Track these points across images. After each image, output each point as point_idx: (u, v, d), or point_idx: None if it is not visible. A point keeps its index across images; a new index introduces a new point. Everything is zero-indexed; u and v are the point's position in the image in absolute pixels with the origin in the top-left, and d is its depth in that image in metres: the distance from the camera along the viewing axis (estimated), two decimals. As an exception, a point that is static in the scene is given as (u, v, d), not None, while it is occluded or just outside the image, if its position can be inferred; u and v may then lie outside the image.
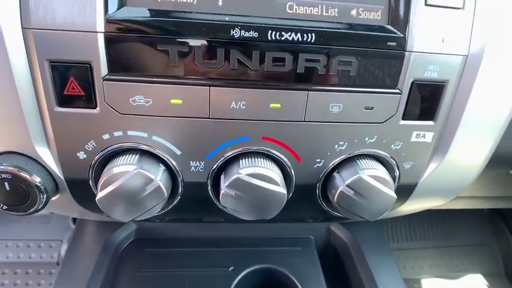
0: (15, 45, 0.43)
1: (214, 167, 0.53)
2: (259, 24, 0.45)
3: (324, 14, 0.47)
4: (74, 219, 1.19)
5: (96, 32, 0.43)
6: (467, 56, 0.50)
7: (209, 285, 0.75)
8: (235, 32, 0.45)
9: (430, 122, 0.53)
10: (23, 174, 0.49)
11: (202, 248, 0.84)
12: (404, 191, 0.61)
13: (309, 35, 0.46)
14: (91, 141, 0.50)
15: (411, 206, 0.69)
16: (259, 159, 0.52)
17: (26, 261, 1.35)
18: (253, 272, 0.81)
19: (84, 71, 0.45)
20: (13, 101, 0.46)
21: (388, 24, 0.48)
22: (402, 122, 0.53)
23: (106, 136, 0.49)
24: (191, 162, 0.52)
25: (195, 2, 0.45)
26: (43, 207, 0.52)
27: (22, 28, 0.43)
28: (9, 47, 0.43)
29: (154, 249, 0.83)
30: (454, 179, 0.62)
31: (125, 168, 0.48)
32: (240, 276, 0.78)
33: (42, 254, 1.37)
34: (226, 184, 0.49)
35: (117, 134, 0.49)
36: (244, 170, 0.50)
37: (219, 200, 0.55)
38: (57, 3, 0.42)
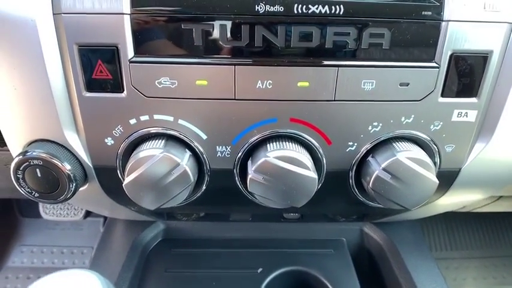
0: (46, 32, 0.45)
1: (241, 152, 0.51)
2: (284, -3, 0.44)
3: (353, -14, 0.45)
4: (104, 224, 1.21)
5: (123, 14, 0.43)
6: (512, 24, 0.46)
7: (237, 287, 0.72)
8: (260, 8, 0.43)
9: (473, 99, 0.49)
10: (55, 161, 0.50)
11: (230, 249, 0.82)
12: (446, 179, 0.56)
13: (337, 6, 0.44)
14: (118, 127, 0.49)
15: (453, 199, 0.64)
16: (287, 142, 0.50)
17: (59, 266, 1.38)
18: (283, 274, 0.77)
19: (111, 54, 0.45)
20: (45, 88, 0.47)
21: (423, -8, 0.45)
22: (442, 100, 0.49)
23: (133, 121, 0.49)
24: (217, 147, 0.51)
25: (219, -19, 0.45)
26: (72, 196, 0.52)
27: (53, 14, 0.44)
28: (42, 34, 0.44)
29: (182, 250, 0.82)
30: (502, 165, 0.56)
31: (151, 152, 0.47)
32: (269, 278, 0.74)
33: (74, 260, 1.39)
34: (253, 168, 0.47)
35: (143, 118, 0.49)
36: (272, 153, 0.47)
37: (246, 189, 0.53)
38: (85, -13, 0.43)
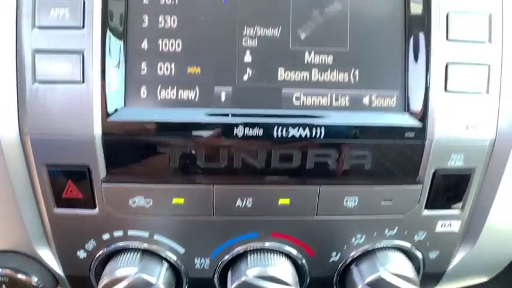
0: (12, 150, 0.42)
1: (221, 263, 0.49)
2: (263, 121, 0.42)
3: (334, 104, 0.44)
4: None
5: (94, 136, 0.41)
6: (494, 140, 0.45)
7: None
8: (239, 131, 0.42)
9: (457, 211, 0.48)
10: (20, 276, 0.47)
11: None
12: (432, 279, 0.55)
13: (318, 130, 0.42)
14: (91, 241, 0.47)
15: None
16: (268, 254, 0.48)
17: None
18: None
19: (82, 174, 0.43)
20: (11, 204, 0.44)
21: (405, 112, 0.44)
22: (425, 212, 0.48)
23: (106, 236, 0.47)
24: (196, 259, 0.49)
25: (196, 99, 0.43)
26: (42, 307, 0.49)
27: (20, 134, 0.42)
28: (7, 152, 0.42)
29: None
30: (488, 263, 0.56)
31: (125, 272, 0.45)
32: None
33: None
34: (233, 286, 0.46)
35: (117, 234, 0.46)
36: (252, 270, 0.46)
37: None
38: (54, 108, 0.41)
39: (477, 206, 0.49)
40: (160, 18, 0.43)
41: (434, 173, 0.45)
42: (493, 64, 0.44)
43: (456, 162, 0.45)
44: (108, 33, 0.41)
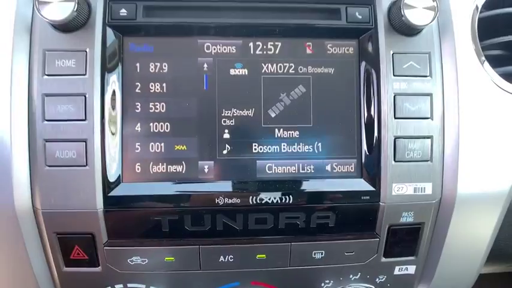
0: (26, 220, 0.49)
1: (207, 307, 0.56)
2: (240, 191, 0.50)
3: (301, 171, 0.52)
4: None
5: (97, 209, 0.48)
6: (440, 199, 0.53)
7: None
8: (220, 200, 0.50)
9: (411, 257, 0.56)
10: (35, 325, 0.54)
11: None
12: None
13: (287, 197, 0.50)
14: (95, 292, 0.54)
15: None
16: (249, 298, 0.56)
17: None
18: None
19: (87, 240, 0.50)
20: (26, 265, 0.51)
21: (361, 178, 0.52)
22: (384, 260, 0.55)
23: (108, 288, 0.54)
24: (186, 304, 0.56)
25: (183, 172, 0.51)
26: None
27: (33, 208, 0.49)
28: (21, 222, 0.49)
29: None
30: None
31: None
32: None
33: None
34: (219, 329, 0.53)
35: (118, 286, 0.54)
36: (236, 315, 0.53)
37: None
38: (61, 187, 0.48)
39: (430, 251, 0.57)
40: (151, 104, 0.50)
41: (388, 228, 0.53)
42: (436, 136, 0.51)
43: (407, 218, 0.53)
44: (107, 123, 0.48)
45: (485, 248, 0.58)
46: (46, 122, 0.48)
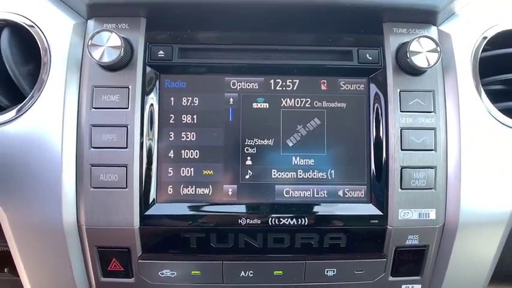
0: (71, 234, 0.56)
1: (229, 319, 0.62)
2: (261, 212, 0.56)
3: (316, 196, 0.57)
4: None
5: (134, 227, 0.55)
6: (443, 224, 0.58)
7: None
8: (242, 221, 0.55)
9: (417, 277, 0.60)
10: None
11: None
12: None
13: (303, 219, 0.56)
14: (128, 302, 0.60)
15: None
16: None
17: None
18: None
19: (124, 253, 0.56)
20: (68, 275, 0.58)
21: (370, 203, 0.57)
22: (391, 278, 0.60)
23: (140, 298, 0.60)
24: (210, 315, 0.62)
25: (210, 194, 0.57)
26: None
27: (77, 224, 0.56)
28: (67, 235, 0.56)
29: None
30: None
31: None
32: None
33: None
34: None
35: (149, 296, 0.60)
36: (255, 325, 0.58)
37: None
38: (103, 206, 0.54)
39: (435, 272, 0.61)
40: (183, 134, 0.57)
41: (395, 249, 0.58)
42: (439, 166, 0.56)
43: (413, 241, 0.57)
44: (145, 150, 0.55)
45: (488, 269, 0.62)
46: (92, 149, 0.54)
